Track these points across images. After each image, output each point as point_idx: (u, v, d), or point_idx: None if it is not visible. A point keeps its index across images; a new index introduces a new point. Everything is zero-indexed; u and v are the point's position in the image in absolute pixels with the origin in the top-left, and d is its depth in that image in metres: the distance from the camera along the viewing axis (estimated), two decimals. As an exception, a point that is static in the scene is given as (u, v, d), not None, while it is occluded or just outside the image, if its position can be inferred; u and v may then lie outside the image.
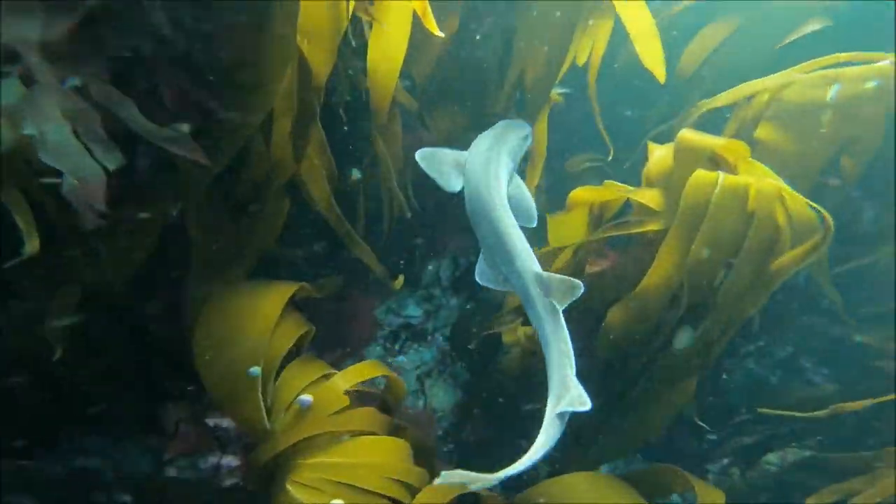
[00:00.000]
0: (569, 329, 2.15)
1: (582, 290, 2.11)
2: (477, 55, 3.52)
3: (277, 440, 2.26)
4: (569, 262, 3.08)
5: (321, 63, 2.40)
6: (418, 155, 2.61)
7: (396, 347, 4.45)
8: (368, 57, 2.62)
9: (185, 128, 2.02)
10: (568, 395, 2.03)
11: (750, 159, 2.83)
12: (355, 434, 2.32)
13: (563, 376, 2.06)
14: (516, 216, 2.44)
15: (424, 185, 3.73)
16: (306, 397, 2.31)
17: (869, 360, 3.67)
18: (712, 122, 3.76)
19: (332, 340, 3.77)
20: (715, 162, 2.87)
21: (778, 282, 2.73)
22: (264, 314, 2.36)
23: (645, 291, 2.76)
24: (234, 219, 2.53)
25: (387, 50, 2.61)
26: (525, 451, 2.03)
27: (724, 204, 2.59)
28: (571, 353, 2.12)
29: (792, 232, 2.72)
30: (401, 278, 3.34)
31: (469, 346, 3.84)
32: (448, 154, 2.68)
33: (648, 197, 2.79)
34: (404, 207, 3.20)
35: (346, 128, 3.04)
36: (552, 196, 4.24)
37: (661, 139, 3.37)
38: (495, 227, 2.32)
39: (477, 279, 2.47)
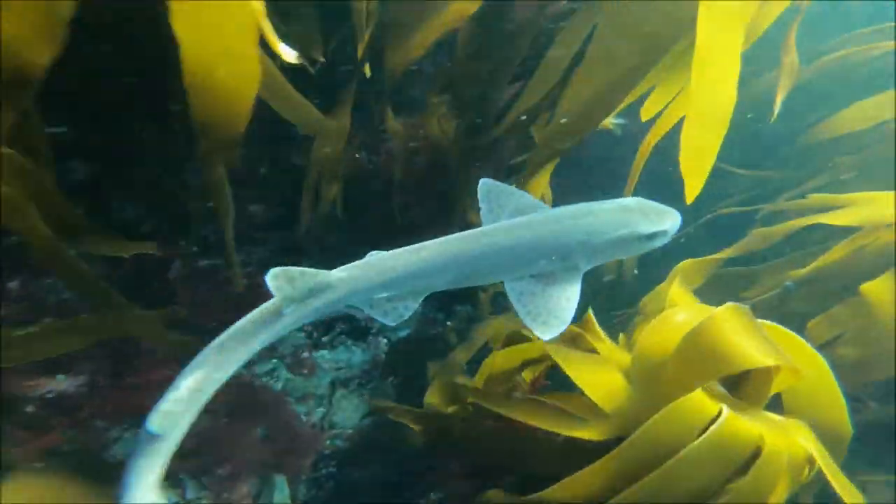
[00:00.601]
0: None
1: None
2: (488, 56, 2.46)
3: None
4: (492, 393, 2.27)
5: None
6: (482, 183, 2.21)
7: (324, 339, 3.81)
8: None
9: None
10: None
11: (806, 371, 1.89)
12: None
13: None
14: (532, 319, 1.92)
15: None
16: None
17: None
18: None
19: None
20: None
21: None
22: None
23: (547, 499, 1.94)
24: None
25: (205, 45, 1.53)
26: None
27: (705, 458, 1.69)
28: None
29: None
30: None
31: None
32: (513, 196, 2.17)
33: (602, 387, 1.86)
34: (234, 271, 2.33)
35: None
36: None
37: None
38: None
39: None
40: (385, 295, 1.97)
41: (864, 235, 2.95)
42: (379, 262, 1.93)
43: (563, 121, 2.40)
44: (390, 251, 1.96)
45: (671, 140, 3.04)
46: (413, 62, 2.36)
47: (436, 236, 3.38)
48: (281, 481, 3.37)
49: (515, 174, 2.73)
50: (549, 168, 2.69)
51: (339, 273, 1.90)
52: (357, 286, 1.91)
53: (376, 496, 3.48)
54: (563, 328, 1.87)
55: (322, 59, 2.30)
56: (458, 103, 2.66)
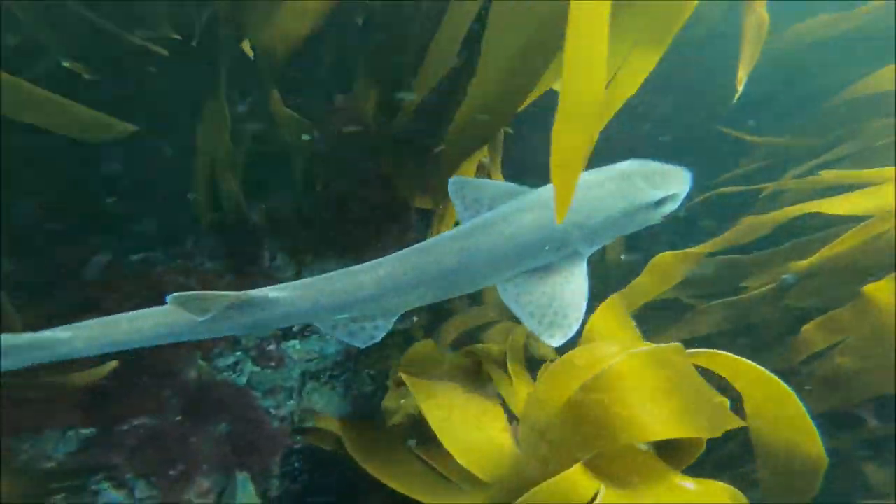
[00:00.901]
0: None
1: None
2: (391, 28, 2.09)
3: None
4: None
5: None
6: (452, 181, 2.02)
7: (294, 329, 3.71)
8: None
9: None
10: None
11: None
12: None
13: None
14: (537, 323, 1.64)
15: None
16: None
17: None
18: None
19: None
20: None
21: None
22: None
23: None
24: None
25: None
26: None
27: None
28: None
29: None
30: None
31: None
32: (489, 187, 1.92)
33: (481, 450, 1.58)
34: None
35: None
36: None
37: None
38: None
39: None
40: (345, 316, 1.75)
41: (877, 223, 2.45)
42: (326, 283, 1.70)
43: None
44: (346, 269, 1.74)
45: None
46: (297, 44, 2.04)
47: (379, 230, 3.11)
48: (243, 479, 3.33)
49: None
50: (476, 157, 2.33)
51: (275, 292, 1.70)
52: (297, 307, 1.71)
53: (352, 489, 3.42)
54: (574, 328, 1.58)
55: (176, 37, 2.02)
56: (373, 82, 2.32)
